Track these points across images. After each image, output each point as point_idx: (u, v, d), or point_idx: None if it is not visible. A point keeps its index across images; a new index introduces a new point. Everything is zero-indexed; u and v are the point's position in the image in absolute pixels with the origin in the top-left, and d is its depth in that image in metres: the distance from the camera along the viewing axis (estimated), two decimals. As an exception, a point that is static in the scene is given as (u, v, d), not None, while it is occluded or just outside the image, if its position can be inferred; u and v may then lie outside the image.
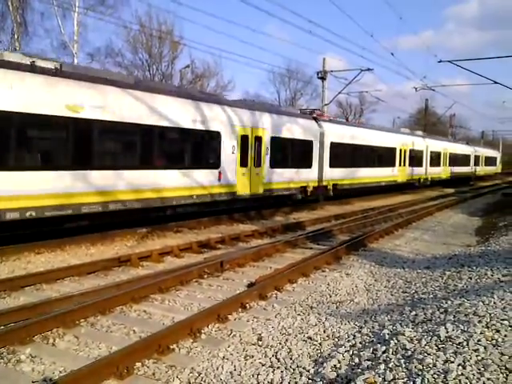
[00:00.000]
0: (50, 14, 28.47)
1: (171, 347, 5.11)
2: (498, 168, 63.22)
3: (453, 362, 3.98)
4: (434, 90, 33.15)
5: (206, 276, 8.20)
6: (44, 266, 8.80)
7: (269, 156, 16.76)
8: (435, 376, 3.78)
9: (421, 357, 4.19)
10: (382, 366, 4.20)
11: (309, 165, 19.49)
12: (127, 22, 36.61)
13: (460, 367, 3.88)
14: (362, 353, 4.76)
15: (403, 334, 4.92)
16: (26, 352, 5.01)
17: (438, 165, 35.69)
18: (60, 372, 4.61)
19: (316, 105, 47.28)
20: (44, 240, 10.25)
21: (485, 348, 4.20)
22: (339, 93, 32.39)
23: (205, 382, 4.47)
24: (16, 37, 27.36)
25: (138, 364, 4.73)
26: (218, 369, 4.72)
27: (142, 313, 6.37)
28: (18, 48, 26.95)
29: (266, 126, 16.66)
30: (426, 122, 57.10)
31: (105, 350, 5.15)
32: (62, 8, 27.14)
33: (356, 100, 60.25)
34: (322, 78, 31.63)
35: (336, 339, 5.45)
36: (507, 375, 3.68)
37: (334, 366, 4.60)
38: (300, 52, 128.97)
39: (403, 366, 4.13)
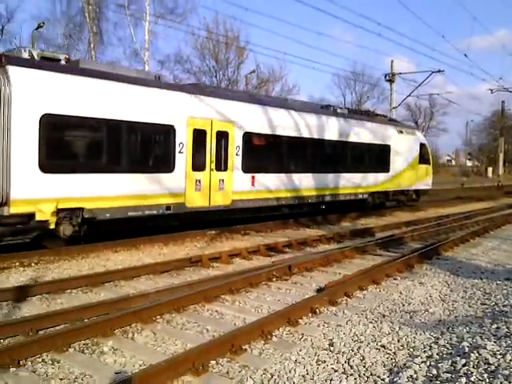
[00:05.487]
0: (122, 24, 30.05)
1: (244, 347, 5.20)
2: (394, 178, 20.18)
3: (544, 380, 3.74)
4: (511, 92, 31.30)
5: (274, 279, 8.25)
6: (121, 263, 9.28)
7: None
8: (524, 394, 3.57)
9: (507, 372, 3.97)
10: (464, 380, 4.03)
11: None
12: (195, 29, 37.70)
13: (552, 386, 3.63)
14: (440, 364, 4.59)
15: (485, 348, 4.69)
16: (109, 344, 5.30)
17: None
18: (140, 365, 4.82)
19: (383, 108, 46.12)
20: (119, 239, 10.87)
21: None
22: (408, 95, 31.55)
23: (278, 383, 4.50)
24: (92, 46, 29.12)
25: (213, 362, 4.85)
26: (290, 372, 4.73)
27: (214, 312, 6.53)
28: (94, 56, 28.67)
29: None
30: (503, 125, 53.88)
31: (180, 346, 5.33)
32: (134, 17, 28.53)
33: (425, 103, 58.11)
34: (390, 81, 30.88)
35: (411, 349, 5.27)
36: None
37: (411, 376, 4.46)
38: (366, 54, 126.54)
39: (487, 380, 3.94)
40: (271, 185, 14.20)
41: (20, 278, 8.10)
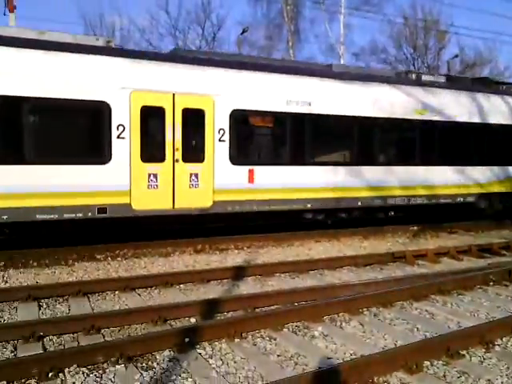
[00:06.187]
0: (318, 21, 30.91)
1: (461, 353, 4.80)
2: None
3: None
4: None
5: (491, 283, 7.44)
6: (323, 253, 9.57)
7: None
8: None
9: None
10: None
11: None
12: (391, 17, 36.47)
13: None
14: None
15: None
16: (318, 329, 5.48)
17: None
18: (350, 354, 4.86)
19: None
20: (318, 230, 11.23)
21: None
22: None
23: (506, 399, 4.04)
24: (290, 45, 30.65)
25: (427, 363, 4.60)
26: (520, 388, 4.19)
27: (424, 312, 6.19)
28: (292, 55, 30.09)
29: None
30: None
31: (390, 341, 5.20)
32: (329, 12, 28.97)
33: None
34: None
35: None
36: None
37: None
38: None
39: None
40: (281, 182, 10.39)
41: (236, 259, 9.04)
